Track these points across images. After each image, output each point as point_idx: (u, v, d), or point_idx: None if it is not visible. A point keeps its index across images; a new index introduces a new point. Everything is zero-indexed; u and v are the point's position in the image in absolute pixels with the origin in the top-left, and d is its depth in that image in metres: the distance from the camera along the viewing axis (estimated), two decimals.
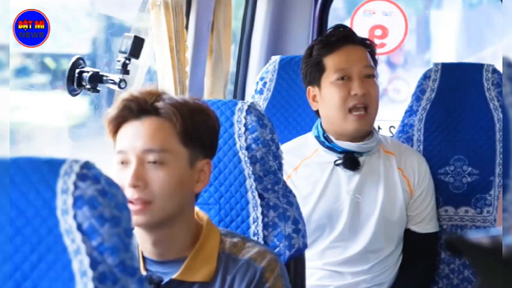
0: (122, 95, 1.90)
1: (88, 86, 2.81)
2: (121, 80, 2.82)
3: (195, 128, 1.86)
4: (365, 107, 2.71)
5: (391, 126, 3.91)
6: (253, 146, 2.17)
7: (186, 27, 3.20)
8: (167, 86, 3.01)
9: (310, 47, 2.80)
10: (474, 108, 3.02)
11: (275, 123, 2.62)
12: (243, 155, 2.17)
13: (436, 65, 3.06)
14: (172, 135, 1.84)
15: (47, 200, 1.28)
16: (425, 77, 3.06)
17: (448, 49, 5.68)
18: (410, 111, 3.06)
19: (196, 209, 1.95)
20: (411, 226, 2.84)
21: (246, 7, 3.83)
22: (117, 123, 1.87)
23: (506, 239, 1.04)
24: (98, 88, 2.84)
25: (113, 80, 2.82)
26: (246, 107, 2.19)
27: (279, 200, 2.18)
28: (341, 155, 2.76)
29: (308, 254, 2.37)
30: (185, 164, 1.85)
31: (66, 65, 2.84)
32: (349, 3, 4.74)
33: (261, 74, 3.28)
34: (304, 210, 2.56)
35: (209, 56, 3.43)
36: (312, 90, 2.78)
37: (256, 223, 2.16)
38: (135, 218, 1.81)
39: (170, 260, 1.89)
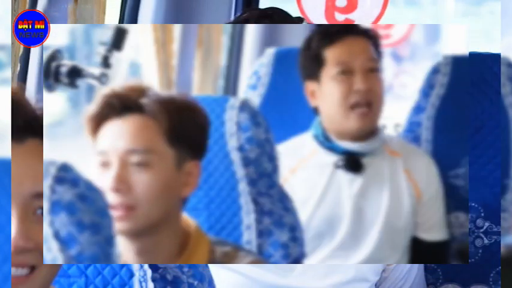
0: (102, 91, 1.91)
1: (66, 81, 2.81)
2: (102, 74, 2.82)
3: (183, 126, 1.87)
4: (368, 103, 2.72)
5: (396, 125, 3.92)
6: (246, 146, 2.17)
7: None
8: (152, 81, 3.01)
9: (309, 38, 2.81)
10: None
11: (270, 122, 2.63)
12: (235, 156, 2.17)
13: (446, 57, 3.07)
14: (157, 135, 1.85)
15: None
16: (435, 70, 3.06)
17: (458, 40, 5.69)
18: (418, 109, 3.07)
19: (184, 215, 1.96)
20: (419, 233, 2.85)
21: None
22: (98, 121, 1.87)
23: (506, 239, 1.05)
24: (76, 83, 2.84)
25: (93, 74, 2.83)
26: (238, 104, 2.20)
27: (275, 205, 2.19)
28: (342, 156, 2.76)
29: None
30: (171, 166, 1.86)
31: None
32: None
33: (255, 67, 3.29)
34: (302, 216, 2.56)
35: (198, 48, 3.43)
36: (310, 85, 2.78)
37: (249, 230, 2.17)
38: (117, 225, 1.82)
39: None
